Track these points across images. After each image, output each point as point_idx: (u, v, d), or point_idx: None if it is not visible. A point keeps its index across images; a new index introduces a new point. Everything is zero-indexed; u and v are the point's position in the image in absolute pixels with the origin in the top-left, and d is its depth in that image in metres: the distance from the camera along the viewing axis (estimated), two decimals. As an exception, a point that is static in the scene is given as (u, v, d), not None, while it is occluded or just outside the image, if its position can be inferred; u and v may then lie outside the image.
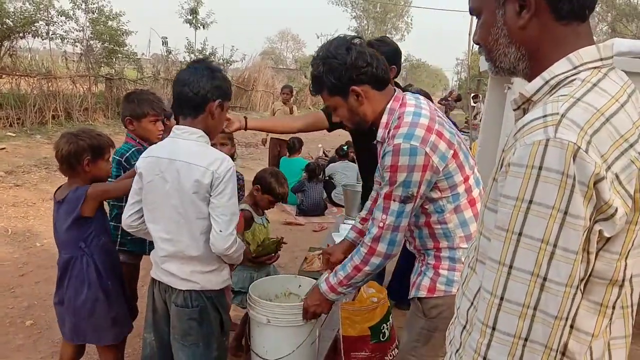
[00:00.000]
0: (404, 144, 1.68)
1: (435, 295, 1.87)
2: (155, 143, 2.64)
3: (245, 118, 2.55)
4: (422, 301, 1.91)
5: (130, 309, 2.69)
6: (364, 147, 3.00)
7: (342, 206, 6.74)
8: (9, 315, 3.64)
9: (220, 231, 1.93)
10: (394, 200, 1.74)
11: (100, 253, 2.37)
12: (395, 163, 1.70)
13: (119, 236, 2.67)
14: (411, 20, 45.84)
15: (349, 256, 1.93)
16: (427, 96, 4.02)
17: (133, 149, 2.70)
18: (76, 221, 2.30)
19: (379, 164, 1.91)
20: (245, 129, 2.57)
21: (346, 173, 7.26)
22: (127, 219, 2.13)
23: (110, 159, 2.49)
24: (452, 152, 1.76)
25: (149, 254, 2.93)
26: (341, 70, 1.75)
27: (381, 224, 1.77)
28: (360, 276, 1.88)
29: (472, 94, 11.82)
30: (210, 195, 1.94)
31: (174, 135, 2.01)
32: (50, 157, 8.99)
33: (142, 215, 2.09)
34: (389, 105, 1.83)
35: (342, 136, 7.63)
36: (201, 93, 1.94)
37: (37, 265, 4.58)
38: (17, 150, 9.46)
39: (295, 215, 6.92)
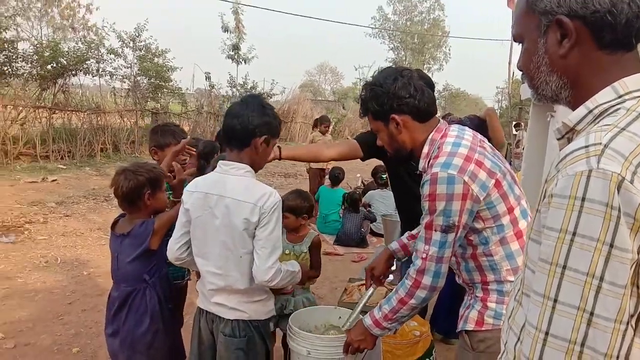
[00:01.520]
0: (441, 173, 1.68)
1: (483, 329, 1.82)
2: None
3: (279, 147, 2.58)
4: (470, 334, 1.86)
5: None
6: (398, 176, 2.99)
7: (382, 236, 6.68)
8: (57, 342, 3.74)
9: (261, 264, 1.95)
10: (435, 230, 1.72)
11: (162, 284, 2.40)
12: (433, 192, 1.69)
13: None
14: (449, 49, 45.85)
15: (394, 289, 1.89)
16: (482, 121, 3.98)
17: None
18: (143, 254, 2.31)
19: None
20: (280, 158, 2.60)
21: (385, 202, 7.21)
22: (175, 252, 2.14)
23: (164, 190, 2.51)
24: (493, 181, 1.73)
25: (176, 279, 3.00)
26: (384, 98, 1.81)
27: (424, 255, 1.74)
28: (406, 310, 1.84)
29: (514, 122, 11.64)
30: (256, 229, 1.97)
31: (222, 171, 2.03)
32: (98, 189, 9.35)
33: (189, 247, 2.12)
34: (430, 136, 1.84)
35: (382, 165, 7.60)
36: (249, 127, 1.98)
37: (83, 293, 4.71)
38: (68, 181, 9.88)
39: (334, 244, 6.89)
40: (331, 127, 9.66)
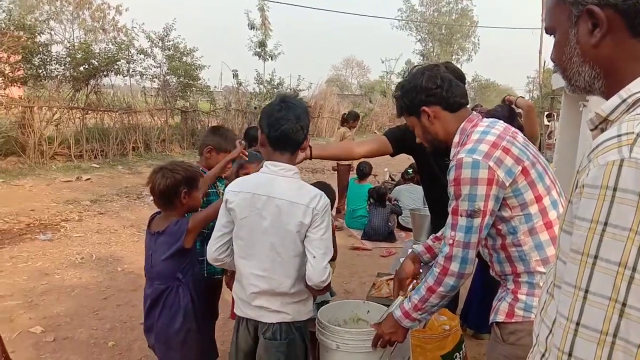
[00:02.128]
0: (467, 158, 1.71)
1: (513, 321, 1.81)
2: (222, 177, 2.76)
3: (310, 147, 2.56)
4: (501, 326, 1.85)
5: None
6: (427, 165, 2.96)
7: (410, 230, 6.64)
8: (93, 336, 3.85)
9: (317, 264, 1.95)
10: (461, 216, 1.74)
11: (195, 282, 2.42)
12: (458, 176, 1.72)
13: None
14: (478, 40, 45.03)
15: (423, 279, 1.90)
16: (511, 109, 3.94)
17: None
18: (177, 252, 2.34)
19: None
20: (311, 158, 2.62)
21: (412, 196, 7.16)
22: (214, 252, 2.11)
23: (200, 189, 2.54)
24: (520, 168, 1.73)
25: (211, 275, 3.05)
26: (413, 92, 1.90)
27: (451, 241, 1.76)
28: (435, 298, 1.84)
29: (546, 113, 11.39)
30: (307, 230, 1.97)
31: (270, 172, 2.01)
32: (130, 187, 9.56)
33: (229, 248, 2.11)
34: (461, 126, 1.88)
35: (409, 160, 7.57)
36: (305, 131, 2.02)
37: (118, 289, 4.83)
38: (101, 180, 10.14)
39: (362, 239, 6.88)
40: (358, 121, 9.59)
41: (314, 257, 1.95)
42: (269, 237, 1.98)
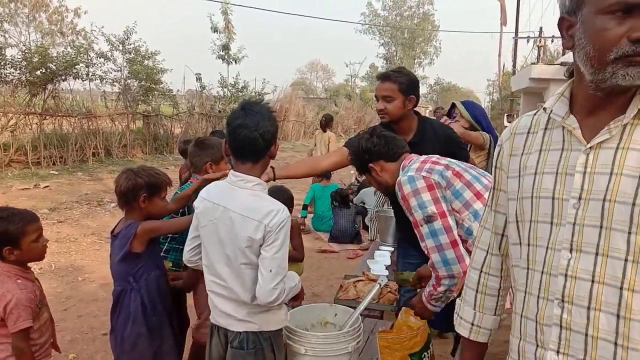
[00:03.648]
0: (403, 177, 2.07)
1: None
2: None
3: (273, 168, 2.64)
4: None
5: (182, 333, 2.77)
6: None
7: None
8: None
9: (265, 285, 1.86)
10: (421, 225, 1.97)
11: (148, 288, 2.40)
12: (402, 195, 2.01)
13: (166, 243, 2.83)
14: (439, 44, 45.95)
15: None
16: (480, 109, 4.06)
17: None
18: (126, 256, 2.34)
19: None
20: (274, 179, 2.68)
21: (378, 197, 7.22)
22: (187, 254, 2.12)
23: (167, 197, 2.55)
24: (451, 172, 2.03)
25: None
26: (359, 156, 2.36)
27: (427, 251, 1.97)
28: (440, 294, 2.09)
29: (506, 114, 11.68)
30: (261, 247, 1.89)
31: (231, 182, 1.95)
32: (90, 194, 9.30)
33: (200, 252, 2.07)
34: (401, 165, 2.24)
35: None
36: (268, 138, 1.90)
37: (79, 299, 4.69)
38: (60, 187, 9.82)
39: (329, 241, 6.89)
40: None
41: (263, 275, 1.86)
42: (224, 249, 1.93)
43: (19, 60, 11.76)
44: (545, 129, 1.15)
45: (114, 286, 2.44)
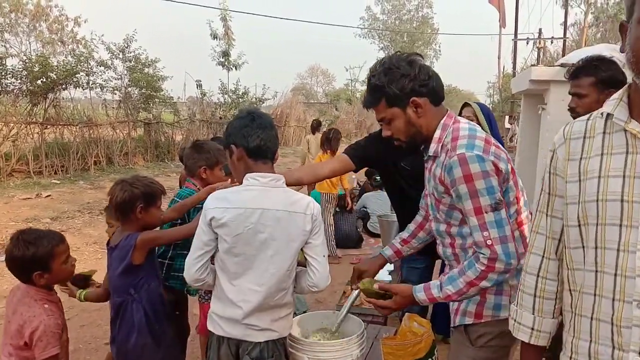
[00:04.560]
0: (469, 153, 1.65)
1: (482, 321, 1.81)
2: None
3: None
4: (468, 329, 1.85)
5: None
6: (393, 182, 2.98)
7: (379, 236, 6.67)
8: None
9: (323, 270, 2.00)
10: (486, 212, 1.63)
11: (150, 298, 2.39)
12: (467, 172, 1.64)
13: (164, 272, 2.80)
14: (439, 47, 46.03)
15: (457, 271, 1.73)
16: (489, 110, 3.92)
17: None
18: (127, 268, 2.32)
19: (430, 177, 1.87)
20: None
21: (379, 202, 7.22)
22: (196, 273, 1.96)
23: (160, 207, 2.53)
24: (510, 167, 1.73)
25: (189, 294, 3.00)
26: (405, 81, 1.75)
27: (489, 242, 1.63)
28: (474, 291, 1.70)
29: (508, 115, 11.66)
30: (308, 237, 1.99)
31: (260, 184, 1.95)
32: (92, 202, 9.30)
33: (209, 267, 2.02)
34: (442, 121, 1.81)
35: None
36: (277, 142, 2.07)
37: (81, 309, 4.66)
38: (62, 196, 9.83)
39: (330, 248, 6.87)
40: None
41: (319, 262, 1.99)
42: (267, 250, 1.93)
43: (20, 70, 11.78)
44: (604, 133, 1.18)
45: (113, 297, 2.42)
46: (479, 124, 3.32)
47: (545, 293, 1.36)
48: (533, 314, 1.38)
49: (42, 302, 2.08)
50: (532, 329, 1.38)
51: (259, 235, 1.92)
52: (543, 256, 1.35)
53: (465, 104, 3.57)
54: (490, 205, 1.63)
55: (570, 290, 1.26)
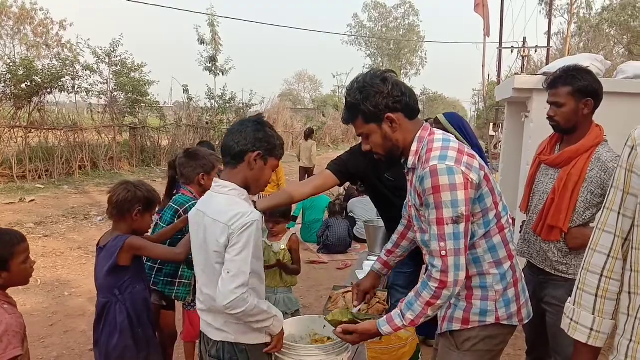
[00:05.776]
0: (440, 165, 1.70)
1: (469, 327, 1.84)
2: None
3: (254, 202, 2.52)
4: (455, 334, 1.88)
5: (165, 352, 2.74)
6: (377, 193, 3.04)
7: (365, 241, 6.70)
8: (38, 366, 3.66)
9: (222, 286, 1.84)
10: (447, 224, 1.70)
11: (134, 301, 2.41)
12: (436, 184, 1.69)
13: (153, 275, 2.85)
14: (425, 54, 46.43)
15: (413, 294, 1.80)
16: (462, 119, 3.98)
17: (192, 202, 2.82)
18: (113, 269, 2.35)
19: (411, 190, 1.92)
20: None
21: (365, 207, 7.25)
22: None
23: (153, 216, 2.59)
24: (483, 173, 1.78)
25: (177, 299, 3.00)
26: (379, 98, 1.80)
27: (443, 253, 1.70)
28: (432, 311, 1.77)
29: (492, 123, 11.79)
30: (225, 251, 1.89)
31: (212, 189, 2.03)
32: (77, 207, 9.21)
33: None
34: (418, 134, 1.86)
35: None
36: (241, 143, 1.94)
37: (65, 314, 4.63)
38: (46, 201, 9.71)
39: (318, 252, 6.89)
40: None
41: (222, 277, 1.85)
42: (202, 253, 1.98)
43: (4, 73, 11.64)
44: None
45: (98, 298, 2.44)
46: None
47: (608, 293, 1.30)
48: (593, 314, 1.32)
49: (1, 302, 1.98)
50: (591, 329, 1.32)
51: (198, 238, 2.00)
52: (609, 255, 1.29)
53: (436, 119, 3.65)
54: (451, 218, 1.69)
55: (629, 292, 1.20)
